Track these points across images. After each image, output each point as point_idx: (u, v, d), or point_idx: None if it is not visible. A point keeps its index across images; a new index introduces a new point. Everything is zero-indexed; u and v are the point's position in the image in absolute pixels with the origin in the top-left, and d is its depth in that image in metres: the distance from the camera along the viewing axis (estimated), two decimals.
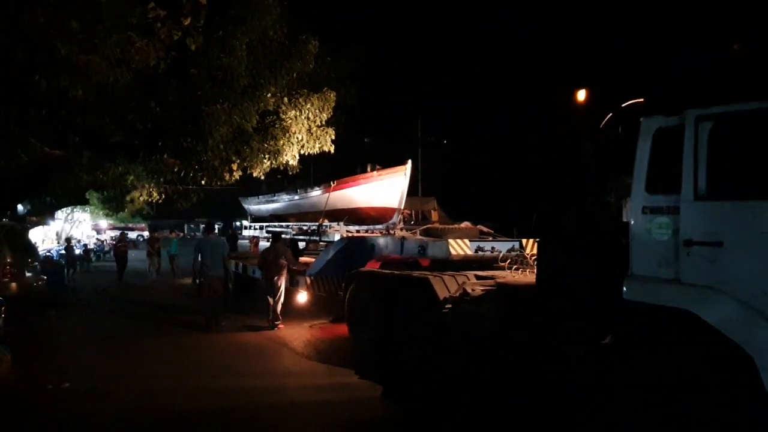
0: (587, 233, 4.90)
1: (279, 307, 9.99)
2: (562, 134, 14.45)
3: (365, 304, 8.26)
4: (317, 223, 11.73)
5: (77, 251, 24.60)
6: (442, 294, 6.81)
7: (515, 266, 7.05)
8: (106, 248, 29.40)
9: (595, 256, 4.83)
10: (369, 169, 12.37)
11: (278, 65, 12.54)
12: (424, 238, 8.39)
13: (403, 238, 8.54)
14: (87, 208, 31.66)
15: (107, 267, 21.74)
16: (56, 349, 8.67)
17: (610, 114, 5.06)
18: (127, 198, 22.63)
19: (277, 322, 9.90)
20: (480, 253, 7.62)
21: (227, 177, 12.62)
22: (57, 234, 32.98)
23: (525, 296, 5.66)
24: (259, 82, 12.25)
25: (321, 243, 11.85)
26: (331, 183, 11.94)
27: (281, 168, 14.05)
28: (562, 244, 4.97)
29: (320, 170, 20.60)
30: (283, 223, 14.03)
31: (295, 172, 14.38)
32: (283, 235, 13.55)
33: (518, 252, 7.77)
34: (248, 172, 13.59)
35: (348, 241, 10.13)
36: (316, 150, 13.23)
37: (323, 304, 10.93)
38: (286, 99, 12.74)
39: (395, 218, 10.83)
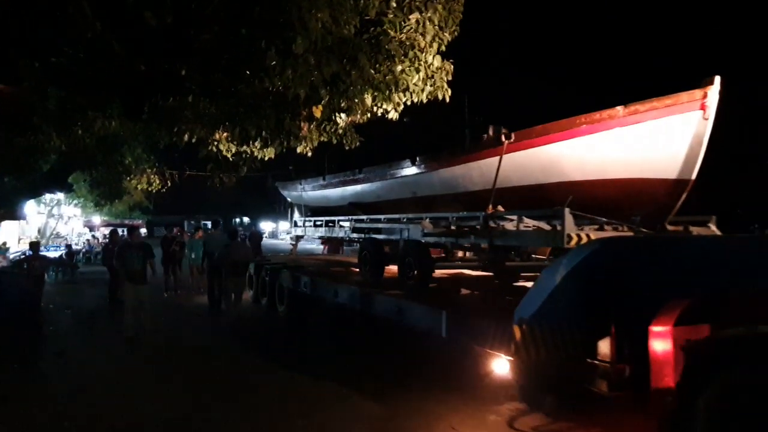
0: None
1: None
2: None
3: None
4: (480, 213, 6.26)
5: (57, 253, 19.10)
6: None
7: None
8: (97, 249, 23.77)
9: None
10: (491, 131, 7.12)
11: None
12: None
13: None
14: (76, 200, 26.13)
15: (98, 274, 16.18)
16: None
17: None
18: (125, 184, 17.24)
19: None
20: None
21: (304, 128, 7.12)
22: (39, 231, 27.47)
23: None
24: None
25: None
26: (503, 137, 6.46)
27: (339, 140, 8.63)
28: None
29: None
30: (381, 216, 8.50)
31: (353, 145, 8.88)
32: (390, 236, 8.17)
33: None
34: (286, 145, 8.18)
35: (600, 250, 4.69)
36: (424, 97, 7.65)
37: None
38: (393, 2, 7.19)
39: (670, 200, 5.43)
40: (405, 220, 7.80)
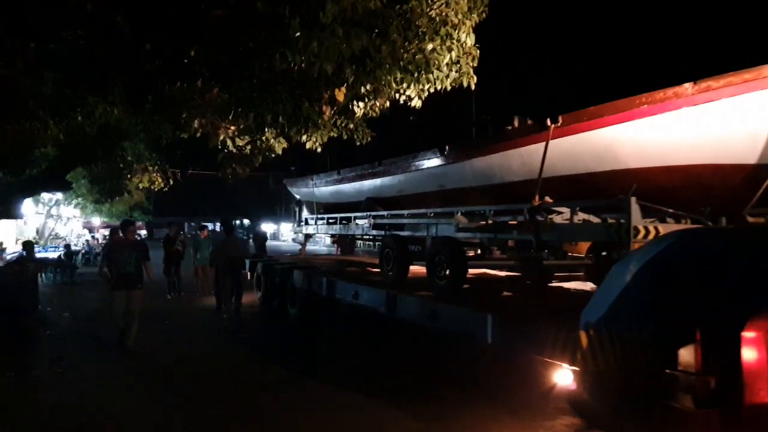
0: None
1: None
2: None
3: None
4: (525, 206, 5.63)
5: (56, 254, 18.43)
6: None
7: None
8: (96, 250, 23.12)
9: None
10: (516, 122, 6.53)
11: None
12: None
13: None
14: (76, 200, 25.47)
15: (97, 276, 15.48)
16: None
17: None
18: (126, 182, 16.62)
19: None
20: None
21: (327, 113, 6.51)
22: (37, 231, 26.83)
23: None
24: None
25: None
26: (549, 122, 5.83)
27: (350, 135, 8.03)
28: None
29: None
30: (404, 211, 7.89)
31: (365, 140, 8.25)
32: (415, 233, 7.55)
33: None
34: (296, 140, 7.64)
35: (680, 244, 4.08)
36: (448, 84, 6.97)
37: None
38: None
39: (748, 188, 4.81)
40: (432, 214, 7.18)
